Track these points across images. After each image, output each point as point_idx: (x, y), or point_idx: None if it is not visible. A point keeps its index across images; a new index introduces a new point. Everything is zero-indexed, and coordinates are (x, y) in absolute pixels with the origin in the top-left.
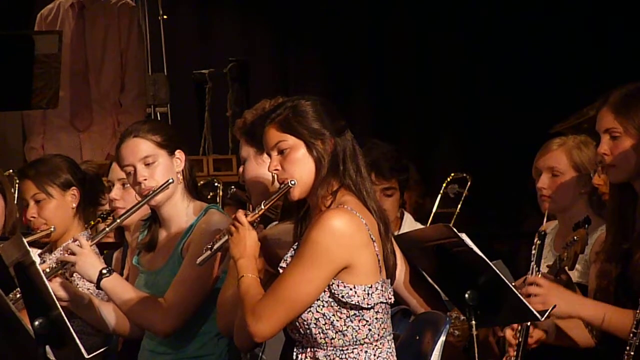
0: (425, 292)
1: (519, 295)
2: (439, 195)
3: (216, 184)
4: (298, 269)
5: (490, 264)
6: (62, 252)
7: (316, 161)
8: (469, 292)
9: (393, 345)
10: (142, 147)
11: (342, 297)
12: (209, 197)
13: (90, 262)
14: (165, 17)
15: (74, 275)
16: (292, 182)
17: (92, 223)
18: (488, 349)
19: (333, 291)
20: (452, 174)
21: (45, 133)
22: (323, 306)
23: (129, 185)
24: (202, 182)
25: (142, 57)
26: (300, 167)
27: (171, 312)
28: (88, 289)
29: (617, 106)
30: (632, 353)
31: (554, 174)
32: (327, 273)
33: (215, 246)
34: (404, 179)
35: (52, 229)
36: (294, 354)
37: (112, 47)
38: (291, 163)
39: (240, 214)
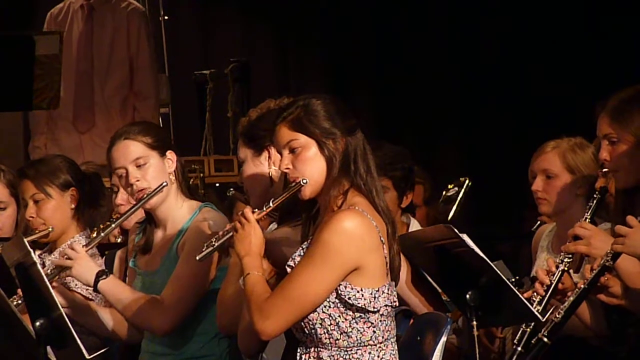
0: (426, 292)
1: (520, 295)
2: (441, 199)
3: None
4: (308, 269)
5: (491, 264)
6: (58, 258)
7: (327, 160)
8: (469, 292)
9: (396, 347)
10: (132, 149)
11: (349, 299)
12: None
13: (86, 266)
14: (166, 17)
15: (71, 278)
16: (304, 181)
17: (102, 226)
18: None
19: (340, 292)
20: (452, 185)
21: (49, 133)
22: (329, 307)
23: None
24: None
25: (155, 63)
26: (312, 166)
27: (169, 310)
28: (87, 289)
29: (613, 113)
30: None
31: (548, 176)
32: (337, 274)
33: (217, 243)
34: (399, 178)
35: (50, 229)
36: (298, 354)
37: (120, 51)
38: (303, 162)
39: (248, 210)
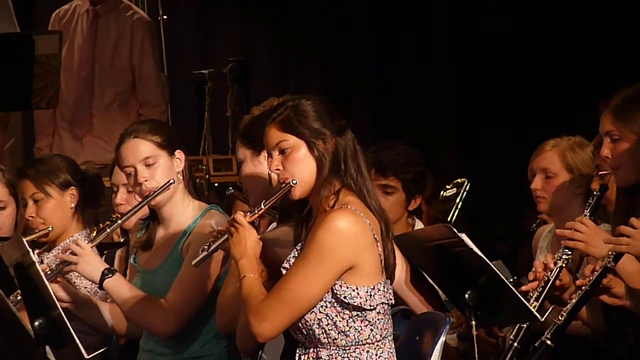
0: (425, 292)
1: (519, 295)
2: (439, 199)
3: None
4: (303, 270)
5: (490, 264)
6: (61, 252)
7: (317, 161)
8: (468, 292)
9: (393, 345)
10: (142, 148)
11: (345, 298)
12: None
13: (92, 262)
14: (165, 17)
15: (72, 273)
16: (294, 182)
17: (102, 226)
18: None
19: (336, 292)
20: (450, 185)
21: (53, 135)
22: (326, 307)
23: None
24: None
25: (160, 71)
26: (302, 167)
27: (173, 313)
28: (85, 287)
29: (616, 111)
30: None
31: (547, 175)
32: (332, 274)
33: (212, 247)
34: (408, 180)
35: (49, 229)
36: (297, 354)
37: (121, 58)
38: (292, 163)
39: (239, 215)
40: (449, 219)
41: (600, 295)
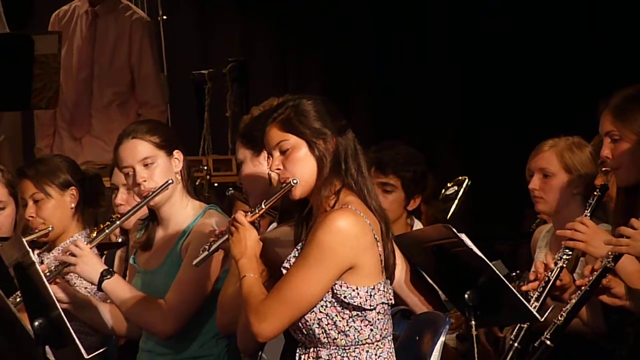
0: (424, 292)
1: (518, 295)
2: (440, 198)
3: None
4: (303, 269)
5: (490, 264)
6: (61, 254)
7: (318, 161)
8: (468, 292)
9: (393, 345)
10: (140, 149)
11: (345, 297)
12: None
13: (91, 263)
14: (164, 17)
15: (72, 274)
16: (295, 182)
17: (101, 226)
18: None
19: (336, 292)
20: (451, 183)
21: (54, 135)
22: (326, 306)
23: None
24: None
25: (159, 71)
26: (302, 167)
27: (172, 314)
28: (85, 288)
29: (615, 111)
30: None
31: (545, 174)
32: (332, 274)
33: (212, 247)
34: (408, 179)
35: (50, 229)
36: (297, 354)
37: (120, 59)
38: (293, 162)
39: (240, 214)
40: (448, 215)
41: (600, 296)
